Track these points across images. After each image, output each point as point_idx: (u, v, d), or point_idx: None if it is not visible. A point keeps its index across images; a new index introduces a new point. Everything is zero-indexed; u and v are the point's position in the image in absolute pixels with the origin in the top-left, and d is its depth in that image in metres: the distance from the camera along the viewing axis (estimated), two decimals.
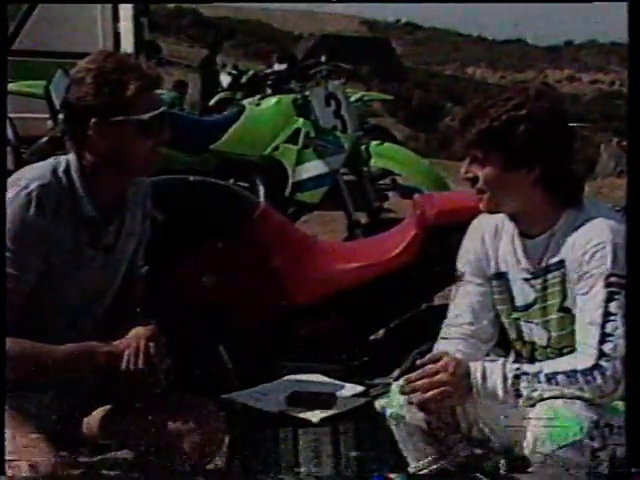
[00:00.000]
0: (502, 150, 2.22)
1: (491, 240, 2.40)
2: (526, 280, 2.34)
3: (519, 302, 2.36)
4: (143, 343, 2.22)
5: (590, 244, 2.21)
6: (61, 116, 2.34)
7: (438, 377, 2.19)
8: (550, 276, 2.30)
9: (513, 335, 2.41)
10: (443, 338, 2.43)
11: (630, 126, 2.20)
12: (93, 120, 2.22)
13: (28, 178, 2.23)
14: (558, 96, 2.41)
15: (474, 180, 2.28)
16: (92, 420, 2.36)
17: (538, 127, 2.21)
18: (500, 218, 2.38)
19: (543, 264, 2.30)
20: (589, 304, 2.20)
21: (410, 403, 2.24)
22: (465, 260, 2.45)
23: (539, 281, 2.32)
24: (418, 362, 2.25)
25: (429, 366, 2.21)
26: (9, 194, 2.19)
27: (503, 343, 2.49)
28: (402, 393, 2.26)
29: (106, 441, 2.39)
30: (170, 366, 2.26)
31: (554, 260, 2.29)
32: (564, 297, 2.29)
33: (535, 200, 2.28)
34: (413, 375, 2.22)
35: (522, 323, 2.38)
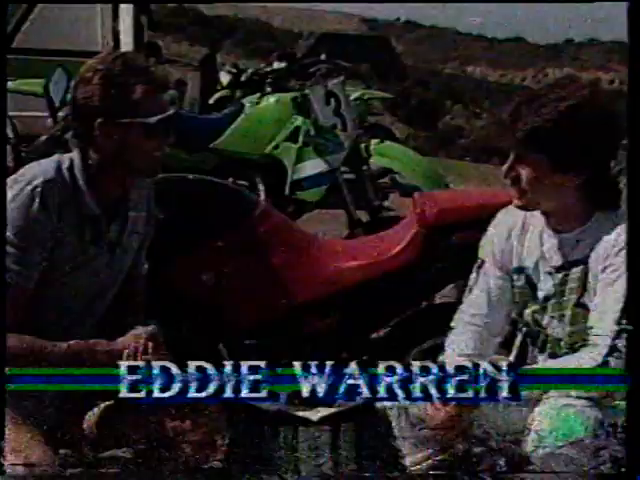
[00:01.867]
0: (552, 152, 2.17)
1: (517, 235, 2.38)
2: (549, 274, 2.32)
3: (539, 295, 2.35)
4: (142, 343, 2.22)
5: (620, 238, 2.19)
6: (61, 114, 2.34)
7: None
8: (573, 271, 2.28)
9: (528, 327, 2.40)
10: (454, 327, 2.42)
11: (630, 124, 2.20)
12: (99, 120, 2.23)
13: (32, 174, 2.23)
14: (611, 97, 2.34)
15: (516, 180, 2.23)
16: (91, 418, 2.35)
17: (591, 132, 2.17)
18: (527, 212, 2.36)
19: (568, 258, 2.28)
20: (608, 297, 2.19)
21: None
22: (488, 251, 2.42)
23: (560, 275, 2.30)
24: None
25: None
26: (13, 190, 2.19)
27: (505, 342, 2.48)
28: None
29: (105, 440, 2.39)
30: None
31: (579, 256, 2.27)
32: (582, 293, 2.27)
33: (573, 201, 2.25)
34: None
35: (538, 316, 2.36)
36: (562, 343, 2.33)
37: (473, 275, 2.44)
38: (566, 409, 2.11)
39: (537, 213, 2.33)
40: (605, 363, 2.12)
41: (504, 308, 2.41)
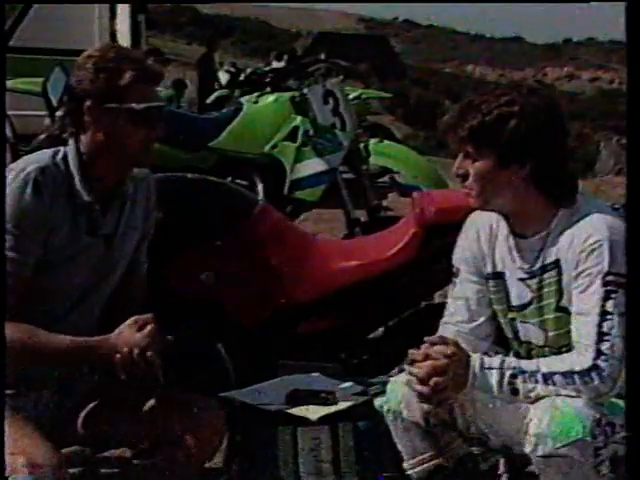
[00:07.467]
0: (493, 146, 2.22)
1: (487, 239, 2.39)
2: (522, 280, 2.33)
3: (515, 302, 2.36)
4: (137, 353, 2.15)
5: (587, 242, 2.19)
6: (59, 113, 2.35)
7: (442, 362, 2.16)
8: (546, 276, 2.29)
9: (509, 335, 2.41)
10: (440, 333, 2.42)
11: (629, 124, 2.20)
12: (87, 104, 2.26)
13: (26, 162, 2.26)
14: (552, 94, 2.40)
15: (465, 176, 2.28)
16: (90, 418, 2.35)
17: (529, 124, 2.20)
18: (495, 217, 2.37)
19: (539, 264, 2.29)
20: (586, 303, 2.18)
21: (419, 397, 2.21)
22: (461, 258, 2.43)
23: (535, 281, 2.30)
24: (426, 338, 2.22)
25: (437, 347, 2.19)
26: (8, 179, 2.22)
27: (503, 341, 2.48)
28: (408, 368, 2.22)
29: (104, 440, 2.38)
30: (159, 370, 2.21)
31: (550, 260, 2.27)
32: (560, 297, 2.27)
33: (528, 199, 2.27)
34: (419, 354, 2.20)
35: (518, 323, 2.37)
36: (546, 349, 2.33)
37: (451, 284, 2.45)
38: (563, 409, 2.10)
39: (503, 218, 2.34)
40: (595, 366, 2.12)
41: (486, 312, 2.41)
